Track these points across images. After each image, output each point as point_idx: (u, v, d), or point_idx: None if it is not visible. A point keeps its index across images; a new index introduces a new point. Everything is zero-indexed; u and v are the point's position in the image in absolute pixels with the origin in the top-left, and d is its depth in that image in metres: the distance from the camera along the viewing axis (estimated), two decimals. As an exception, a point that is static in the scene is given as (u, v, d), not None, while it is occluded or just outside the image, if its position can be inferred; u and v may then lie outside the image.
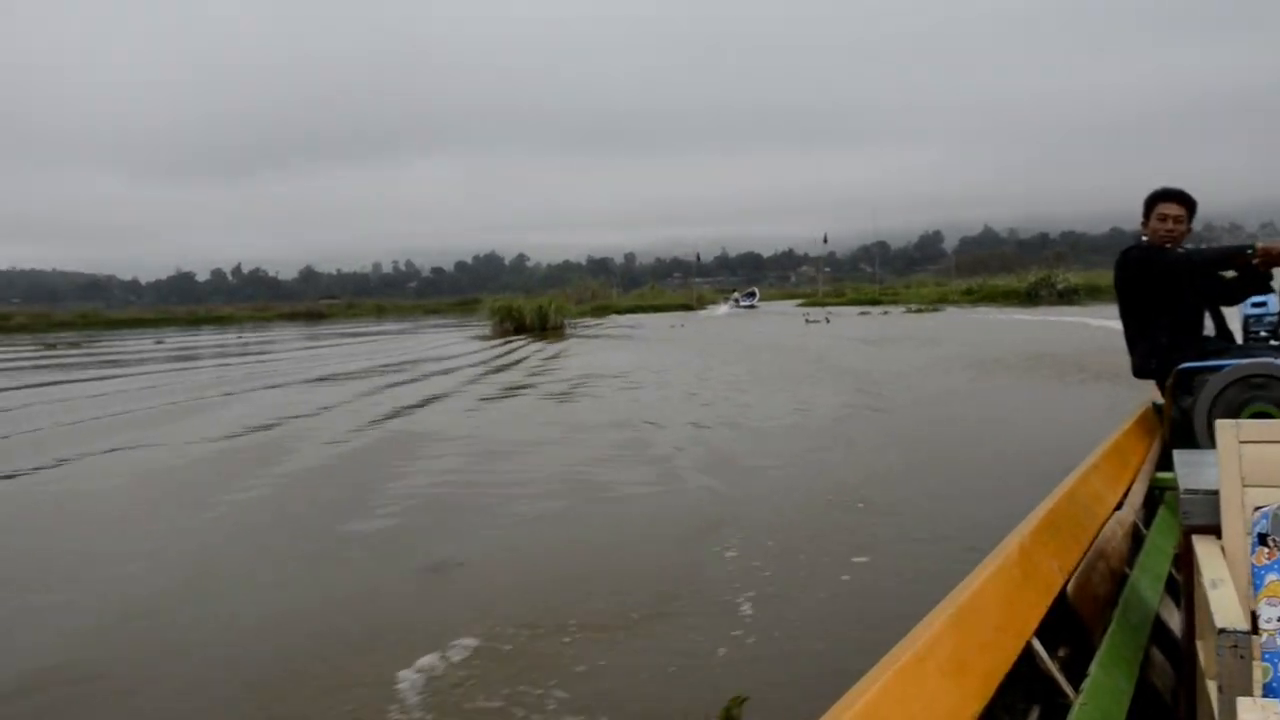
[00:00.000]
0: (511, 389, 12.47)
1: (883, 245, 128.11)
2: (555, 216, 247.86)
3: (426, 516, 5.03)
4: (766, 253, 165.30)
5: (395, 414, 9.95)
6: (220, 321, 69.15)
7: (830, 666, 2.61)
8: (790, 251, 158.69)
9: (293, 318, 72.58)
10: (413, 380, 14.18)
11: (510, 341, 24.89)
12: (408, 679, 2.69)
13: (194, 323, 68.89)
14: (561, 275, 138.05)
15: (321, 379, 15.10)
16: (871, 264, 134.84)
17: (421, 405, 10.76)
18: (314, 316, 73.92)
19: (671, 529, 4.44)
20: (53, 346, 32.54)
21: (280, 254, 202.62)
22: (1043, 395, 9.21)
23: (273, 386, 14.06)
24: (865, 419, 8.01)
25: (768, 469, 5.96)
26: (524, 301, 28.81)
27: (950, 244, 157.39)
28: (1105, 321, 19.45)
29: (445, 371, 15.87)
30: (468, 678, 2.70)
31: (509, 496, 5.47)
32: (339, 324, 57.91)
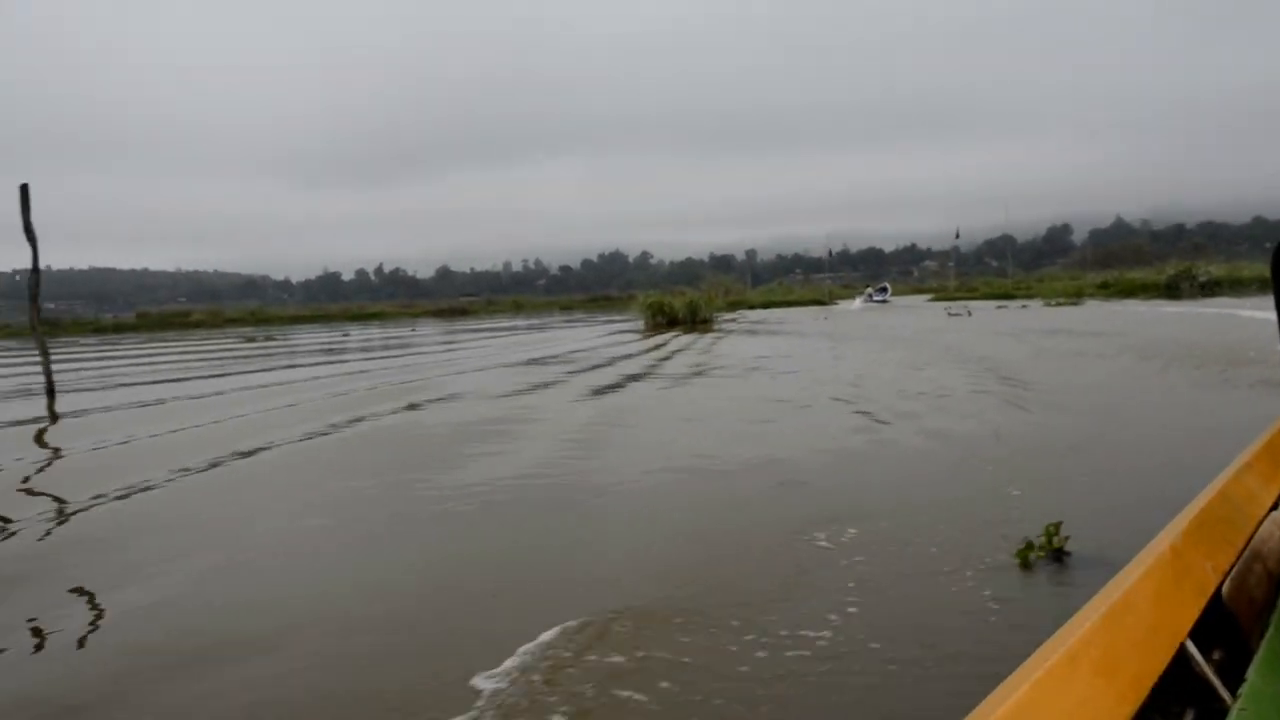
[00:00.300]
0: (696, 371, 13.82)
1: (1008, 238, 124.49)
2: (677, 215, 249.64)
3: (720, 454, 6.42)
4: (888, 248, 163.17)
5: (609, 390, 11.46)
6: (374, 318, 73.35)
7: (1090, 519, 3.89)
8: (913, 246, 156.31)
9: (439, 314, 76.22)
10: (600, 365, 15.72)
11: (667, 333, 26.37)
12: (821, 543, 3.98)
13: (352, 319, 73.29)
14: (685, 272, 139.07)
15: (519, 364, 16.86)
16: (997, 258, 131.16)
17: (628, 382, 12.24)
18: (458, 313, 77.47)
19: (923, 464, 5.72)
20: (252, 339, 35.94)
21: (418, 254, 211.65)
22: (1204, 383, 9.65)
23: (481, 370, 15.89)
24: (1044, 399, 8.77)
25: (970, 432, 7.09)
26: (674, 296, 30.31)
27: (1079, 237, 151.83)
28: (1255, 313, 19.55)
29: (624, 357, 17.41)
30: (865, 541, 3.98)
31: (763, 440, 6.84)
32: (482, 319, 60.92)
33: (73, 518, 5.38)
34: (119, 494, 5.92)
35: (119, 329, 70.21)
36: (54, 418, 11.07)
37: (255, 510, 5.18)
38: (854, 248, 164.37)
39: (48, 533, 5.00)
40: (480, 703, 2.62)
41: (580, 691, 2.64)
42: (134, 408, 11.85)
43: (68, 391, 14.12)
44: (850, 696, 2.50)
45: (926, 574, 3.49)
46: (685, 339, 23.20)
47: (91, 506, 5.60)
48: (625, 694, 2.58)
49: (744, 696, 2.53)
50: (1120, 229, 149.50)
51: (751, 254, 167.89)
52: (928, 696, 2.47)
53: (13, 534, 4.99)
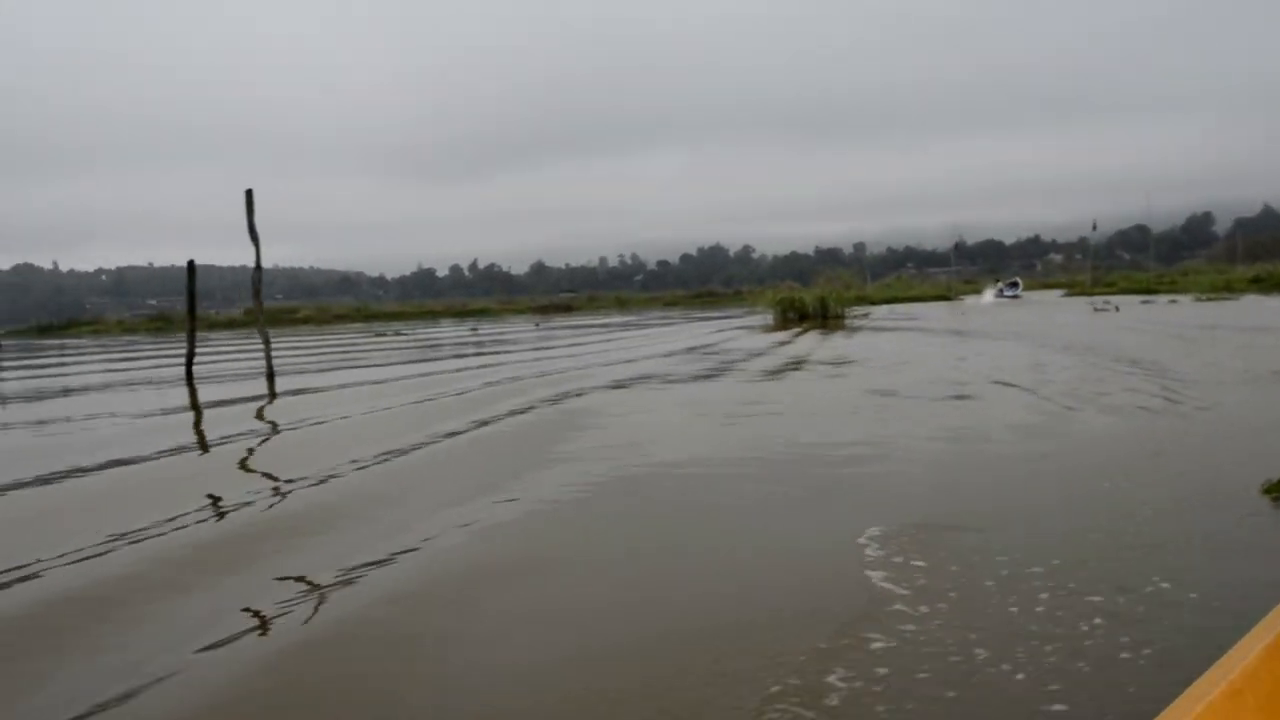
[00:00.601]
0: (850, 360, 14.72)
1: (1142, 229, 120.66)
2: (780, 206, 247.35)
3: (928, 425, 7.53)
4: (1008, 240, 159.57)
5: (779, 373, 12.63)
6: (479, 314, 76.14)
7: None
8: (1036, 238, 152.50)
9: (542, 310, 78.54)
10: (757, 354, 16.84)
11: (799, 328, 27.25)
12: (1105, 485, 5.09)
13: (456, 315, 76.33)
14: (789, 266, 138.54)
15: (676, 353, 18.13)
16: (1130, 250, 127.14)
17: (788, 369, 13.37)
18: (561, 308, 79.68)
19: (1136, 439, 6.77)
20: (382, 334, 38.41)
21: (512, 249, 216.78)
22: None
23: (632, 360, 17.23)
24: (1222, 388, 9.32)
25: (1159, 413, 7.91)
26: (803, 291, 31.43)
27: (1222, 227, 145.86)
28: None
29: (774, 346, 18.48)
30: (1140, 482, 5.10)
31: (961, 415, 7.92)
32: (588, 315, 62.79)
33: (397, 459, 6.92)
34: (415, 446, 7.47)
35: (231, 324, 74.44)
36: (275, 395, 12.86)
37: (551, 462, 6.53)
38: (971, 239, 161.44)
39: (388, 469, 6.48)
40: (872, 551, 3.95)
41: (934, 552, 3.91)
42: (347, 387, 13.65)
43: (280, 374, 16.02)
44: (1176, 576, 3.58)
45: (1198, 499, 4.70)
46: (823, 333, 24.01)
47: (410, 450, 7.12)
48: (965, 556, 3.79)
49: (1095, 565, 3.70)
50: (1269, 218, 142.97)
51: (860, 247, 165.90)
52: (1230, 569, 3.63)
53: (370, 465, 6.50)
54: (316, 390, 13.60)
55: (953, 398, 9.36)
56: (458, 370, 16.56)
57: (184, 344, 15.72)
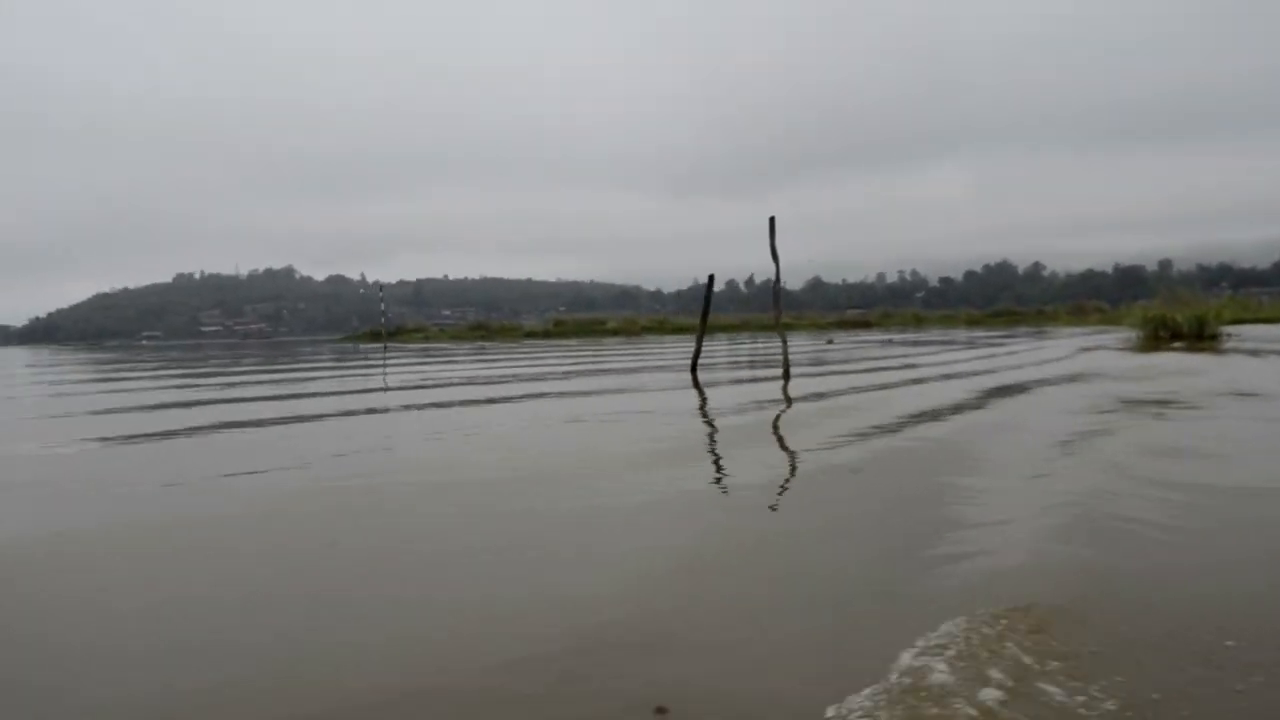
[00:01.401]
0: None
1: None
2: (1073, 220, 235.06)
3: None
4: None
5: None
6: (786, 328, 79.12)
7: None
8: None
9: (840, 325, 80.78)
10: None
11: (1174, 345, 27.64)
12: None
13: (758, 329, 79.89)
14: (1085, 285, 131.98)
15: (1079, 351, 19.89)
16: None
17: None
18: (860, 324, 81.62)
19: None
20: (736, 343, 42.19)
21: (786, 264, 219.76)
22: None
23: (1059, 358, 19.16)
24: None
25: None
26: (1176, 309, 31.96)
27: None
28: None
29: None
30: None
31: None
32: (889, 331, 64.18)
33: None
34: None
35: (547, 335, 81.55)
36: (788, 377, 16.08)
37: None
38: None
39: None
40: None
41: None
42: (827, 375, 16.77)
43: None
44: None
45: None
46: (1221, 355, 24.21)
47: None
48: None
49: None
50: None
51: (1165, 264, 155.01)
52: None
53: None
54: (816, 375, 17.09)
55: None
56: (902, 366, 19.36)
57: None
